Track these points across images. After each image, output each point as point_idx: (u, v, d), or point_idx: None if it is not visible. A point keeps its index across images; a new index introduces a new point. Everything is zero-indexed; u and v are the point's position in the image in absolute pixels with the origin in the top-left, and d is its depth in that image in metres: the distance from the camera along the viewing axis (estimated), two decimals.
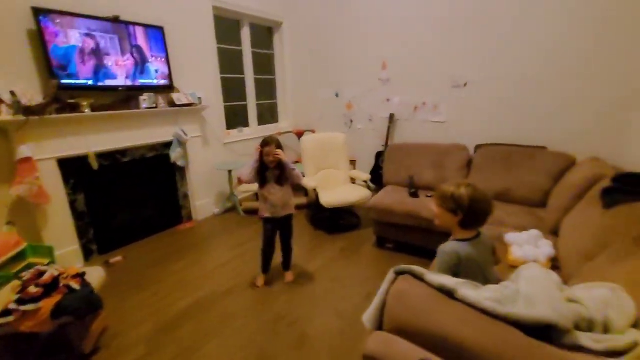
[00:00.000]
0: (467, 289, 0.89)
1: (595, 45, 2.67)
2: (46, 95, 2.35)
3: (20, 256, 2.17)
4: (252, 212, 3.69)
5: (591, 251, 1.33)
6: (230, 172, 3.64)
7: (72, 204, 2.60)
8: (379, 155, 4.04)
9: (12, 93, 2.20)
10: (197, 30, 3.39)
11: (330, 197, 3.00)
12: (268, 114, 4.86)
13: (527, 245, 1.72)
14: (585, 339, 0.83)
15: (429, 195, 2.80)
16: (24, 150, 2.21)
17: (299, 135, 4.40)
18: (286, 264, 2.44)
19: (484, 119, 3.38)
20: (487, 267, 1.27)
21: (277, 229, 2.30)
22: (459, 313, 0.83)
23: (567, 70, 2.84)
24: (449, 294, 0.89)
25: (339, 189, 3.24)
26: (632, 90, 2.53)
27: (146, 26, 2.84)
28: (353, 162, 4.19)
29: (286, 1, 4.34)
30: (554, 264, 1.64)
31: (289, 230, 2.35)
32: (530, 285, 0.90)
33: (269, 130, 4.53)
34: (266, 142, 2.05)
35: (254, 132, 4.37)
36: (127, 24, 2.72)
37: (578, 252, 1.44)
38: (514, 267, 1.68)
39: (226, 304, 2.13)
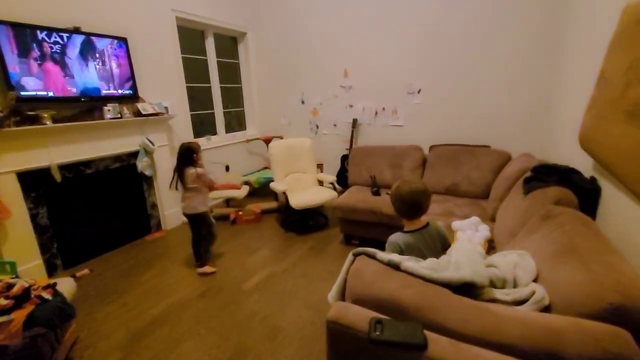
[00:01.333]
0: (409, 262, 1.09)
1: (521, 59, 3.10)
2: (4, 108, 2.30)
3: None
4: (223, 219, 3.74)
5: (515, 230, 1.60)
6: None
7: (34, 218, 2.54)
8: (344, 159, 4.26)
9: None
10: (162, 40, 3.43)
11: (298, 199, 3.16)
12: (235, 122, 4.94)
13: (469, 230, 1.99)
14: (499, 293, 1.05)
15: (388, 193, 3.04)
16: None
17: (267, 141, 4.52)
18: (204, 253, 2.73)
19: (437, 122, 3.72)
20: (430, 254, 1.42)
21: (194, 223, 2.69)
22: (402, 280, 1.02)
23: (501, 79, 3.24)
24: (395, 267, 1.08)
25: (306, 191, 3.40)
26: (556, 95, 2.95)
27: (108, 37, 2.85)
28: (320, 166, 4.38)
29: (249, 12, 4.47)
30: (491, 245, 1.91)
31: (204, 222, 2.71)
32: (458, 255, 1.12)
33: (236, 137, 4.61)
34: (197, 149, 2.56)
35: (222, 139, 4.43)
36: (89, 34, 2.72)
37: (507, 231, 1.71)
38: None
39: (200, 306, 2.20)
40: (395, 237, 1.44)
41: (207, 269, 2.65)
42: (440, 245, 1.52)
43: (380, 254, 1.14)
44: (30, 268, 2.52)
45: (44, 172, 2.54)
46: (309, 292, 2.33)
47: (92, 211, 2.98)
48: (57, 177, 2.59)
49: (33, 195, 2.52)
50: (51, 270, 2.68)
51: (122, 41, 2.95)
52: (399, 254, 1.33)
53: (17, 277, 2.14)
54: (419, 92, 3.78)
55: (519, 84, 3.18)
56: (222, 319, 2.07)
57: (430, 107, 3.72)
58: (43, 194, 2.58)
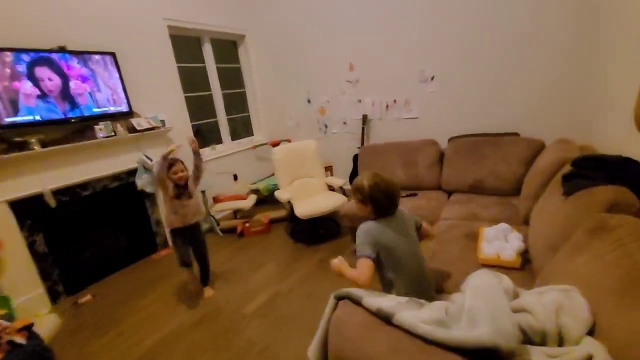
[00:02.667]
0: (405, 312, 0.80)
1: (552, 23, 2.65)
2: None
3: None
4: (230, 231, 3.58)
5: (555, 243, 1.25)
6: (203, 192, 3.53)
7: (31, 246, 2.47)
8: (357, 158, 3.96)
9: None
10: (153, 51, 3.30)
11: (304, 208, 2.91)
12: (241, 128, 4.77)
13: (496, 240, 1.64)
14: (537, 354, 0.74)
15: (404, 195, 2.72)
16: None
17: (275, 145, 4.30)
18: (204, 277, 2.51)
19: (455, 110, 3.33)
20: (405, 240, 1.37)
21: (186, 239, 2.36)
22: (392, 341, 0.74)
23: (528, 52, 2.80)
24: (386, 318, 0.80)
25: (313, 198, 3.15)
26: (599, 63, 2.48)
27: (95, 53, 2.74)
28: (329, 168, 4.11)
29: (246, 14, 4.27)
30: (524, 257, 1.55)
31: (198, 233, 2.42)
32: (474, 298, 0.81)
33: (242, 144, 4.44)
34: (169, 164, 2.19)
35: (228, 147, 4.27)
36: (75, 53, 2.62)
37: (544, 243, 1.36)
38: (485, 265, 1.59)
39: (195, 336, 2.01)
40: (367, 226, 1.37)
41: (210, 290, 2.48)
42: (413, 227, 1.47)
43: (367, 300, 0.86)
44: (32, 297, 2.46)
45: (38, 198, 2.46)
46: (314, 315, 2.04)
47: (93, 233, 2.90)
48: (52, 202, 2.51)
49: (28, 223, 2.45)
50: (54, 298, 2.61)
51: (110, 55, 2.84)
52: (373, 245, 1.31)
53: (9, 313, 2.07)
54: (432, 79, 3.41)
55: (550, 54, 2.73)
56: (216, 352, 1.86)
57: (447, 95, 3.33)
58: (38, 220, 2.51)
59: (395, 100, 3.72)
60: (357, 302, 0.87)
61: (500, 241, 1.63)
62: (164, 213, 3.35)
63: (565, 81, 2.71)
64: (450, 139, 3.05)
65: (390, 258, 1.33)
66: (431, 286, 1.46)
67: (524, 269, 1.52)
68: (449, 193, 2.71)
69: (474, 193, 2.53)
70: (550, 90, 2.80)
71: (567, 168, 1.53)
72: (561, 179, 1.46)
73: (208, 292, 2.45)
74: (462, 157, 2.67)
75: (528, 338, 0.79)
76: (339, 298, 0.92)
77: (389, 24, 3.46)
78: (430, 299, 1.31)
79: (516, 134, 2.91)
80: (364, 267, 1.26)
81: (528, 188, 2.02)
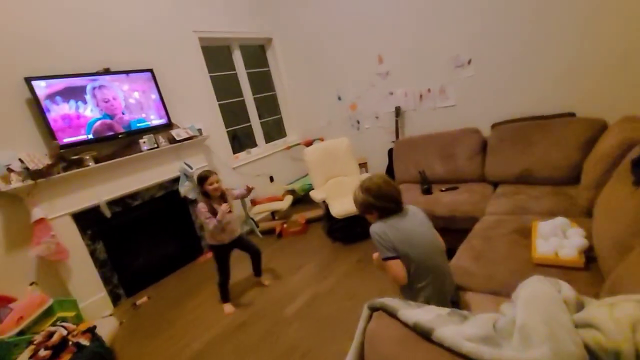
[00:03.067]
0: (446, 326, 0.73)
1: None
2: (51, 157, 2.48)
3: (49, 312, 2.29)
4: (269, 232, 3.65)
5: (626, 241, 1.08)
6: None
7: (93, 254, 2.71)
8: (392, 153, 3.83)
9: (20, 160, 2.34)
10: (187, 64, 3.45)
11: (339, 207, 2.87)
12: (275, 130, 4.84)
13: (553, 236, 1.47)
14: None
15: (443, 189, 2.57)
16: (36, 212, 2.34)
17: (308, 145, 4.31)
18: (258, 269, 2.62)
19: (497, 94, 3.07)
20: (419, 230, 1.36)
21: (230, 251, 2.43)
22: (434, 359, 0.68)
23: (582, 14, 2.46)
24: (424, 334, 0.73)
25: (348, 197, 3.08)
26: None
27: (135, 72, 2.92)
28: (365, 164, 4.02)
29: (271, 17, 4.30)
30: (589, 256, 1.37)
31: (244, 239, 2.51)
32: (528, 313, 0.72)
33: (277, 146, 4.50)
34: (205, 176, 2.23)
35: (263, 150, 4.36)
36: (117, 73, 2.82)
37: (612, 242, 1.19)
38: (541, 265, 1.44)
39: (240, 338, 2.07)
40: (377, 228, 1.34)
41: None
42: (428, 222, 1.43)
43: (403, 312, 0.80)
44: (97, 300, 2.70)
45: (95, 209, 2.69)
46: (355, 317, 2.01)
47: (145, 240, 3.12)
48: (107, 213, 2.73)
49: (89, 233, 2.69)
50: (115, 300, 2.85)
51: (149, 72, 3.01)
52: (391, 243, 1.29)
53: (77, 314, 2.29)
54: (469, 62, 3.17)
55: (608, 14, 2.37)
56: (261, 354, 1.90)
57: (486, 78, 3.08)
58: (98, 230, 2.74)
59: (429, 89, 3.52)
60: (392, 315, 0.82)
61: (558, 237, 1.46)
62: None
63: (632, 46, 2.34)
64: (494, 126, 2.82)
65: (405, 255, 1.30)
66: (453, 284, 1.41)
67: (589, 268, 1.34)
68: (495, 185, 2.50)
69: (523, 183, 2.30)
70: (616, 63, 2.43)
71: (638, 151, 1.33)
72: (630, 165, 1.26)
73: (266, 281, 2.63)
74: (507, 144, 2.45)
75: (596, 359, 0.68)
76: (373, 309, 0.87)
77: (417, 9, 3.27)
78: (452, 298, 1.35)
79: (571, 114, 2.61)
80: (396, 267, 1.29)
81: (588, 176, 1.80)
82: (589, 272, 1.32)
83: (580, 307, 0.80)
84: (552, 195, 2.03)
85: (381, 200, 1.35)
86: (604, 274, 1.21)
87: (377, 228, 1.34)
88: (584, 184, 1.83)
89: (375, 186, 1.36)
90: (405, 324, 0.78)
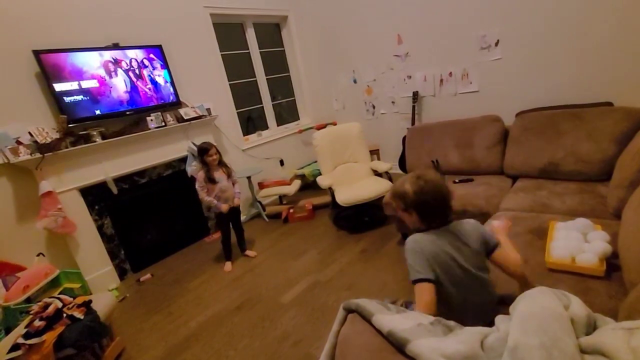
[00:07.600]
0: (425, 339, 0.63)
1: None
2: (59, 131, 2.49)
3: (55, 283, 2.36)
4: (276, 217, 3.60)
5: None
6: (249, 178, 3.59)
7: (100, 229, 2.76)
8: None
9: (30, 133, 2.37)
10: (197, 41, 3.36)
11: (345, 195, 2.76)
12: (287, 113, 4.72)
13: (571, 239, 1.31)
14: None
15: (457, 180, 2.40)
16: (44, 185, 2.37)
17: (321, 129, 4.19)
18: (243, 244, 2.88)
19: (526, 80, 2.83)
20: (463, 256, 1.09)
21: (230, 219, 2.74)
22: None
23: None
24: (398, 346, 0.63)
25: (356, 184, 2.97)
26: None
27: (144, 47, 2.87)
28: (376, 151, 3.87)
29: None
30: (611, 265, 1.21)
31: (237, 214, 2.80)
32: (522, 330, 0.60)
33: (288, 129, 4.40)
34: (206, 148, 2.52)
35: (274, 133, 4.27)
36: (126, 48, 2.78)
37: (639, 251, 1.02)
38: (553, 270, 1.29)
39: (235, 321, 2.05)
40: (415, 240, 1.10)
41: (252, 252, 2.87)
42: (478, 239, 1.13)
43: (377, 317, 0.70)
44: (103, 273, 2.77)
45: (102, 185, 2.72)
46: None
47: (152, 217, 3.14)
48: (114, 189, 2.75)
49: (97, 208, 2.73)
50: (122, 274, 2.91)
51: (157, 48, 2.95)
52: (427, 262, 1.04)
53: (82, 286, 2.34)
54: (496, 44, 2.92)
55: None
56: (253, 339, 1.87)
57: (515, 62, 2.84)
58: (105, 206, 2.78)
59: (450, 73, 3.29)
60: (366, 319, 0.72)
61: (578, 241, 1.29)
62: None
63: None
64: (519, 114, 2.59)
65: (441, 286, 1.06)
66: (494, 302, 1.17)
67: (610, 277, 1.18)
68: (514, 178, 2.31)
69: (546, 178, 2.10)
70: None
71: None
72: None
73: (251, 253, 2.85)
74: (532, 134, 2.23)
75: None
76: (349, 310, 0.78)
77: None
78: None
79: (609, 104, 2.35)
80: (423, 293, 1.02)
81: (621, 173, 1.59)
82: (609, 282, 1.16)
83: (591, 327, 0.67)
84: (577, 192, 1.84)
85: (430, 203, 1.10)
86: (627, 286, 1.06)
87: (415, 241, 1.11)
88: (615, 182, 1.62)
89: (429, 186, 1.09)
90: (379, 332, 0.68)
